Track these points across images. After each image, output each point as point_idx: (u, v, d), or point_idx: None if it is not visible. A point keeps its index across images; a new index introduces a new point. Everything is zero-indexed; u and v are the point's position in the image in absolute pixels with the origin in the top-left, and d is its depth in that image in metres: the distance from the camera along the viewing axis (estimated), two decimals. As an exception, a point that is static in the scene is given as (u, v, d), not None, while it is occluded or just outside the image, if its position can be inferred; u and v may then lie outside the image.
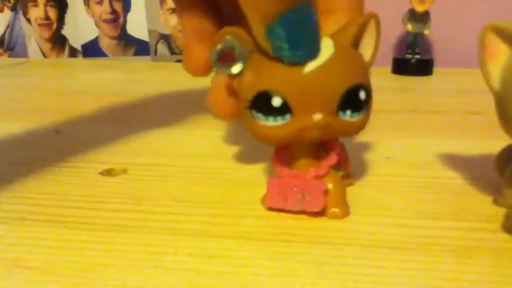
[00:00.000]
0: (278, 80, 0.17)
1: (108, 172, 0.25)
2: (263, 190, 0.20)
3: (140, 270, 0.16)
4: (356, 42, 0.18)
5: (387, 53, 0.65)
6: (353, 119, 0.18)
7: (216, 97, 0.21)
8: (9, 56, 0.77)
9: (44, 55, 0.75)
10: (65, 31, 0.74)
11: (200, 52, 0.20)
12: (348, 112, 0.18)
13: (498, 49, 0.18)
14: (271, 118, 0.17)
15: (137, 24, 0.71)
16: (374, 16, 0.18)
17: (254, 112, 0.18)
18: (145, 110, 0.40)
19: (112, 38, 0.73)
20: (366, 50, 0.19)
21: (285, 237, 0.18)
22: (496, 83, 0.18)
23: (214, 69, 0.19)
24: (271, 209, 0.20)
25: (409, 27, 0.57)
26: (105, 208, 0.21)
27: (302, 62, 0.17)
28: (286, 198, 0.19)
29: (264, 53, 0.17)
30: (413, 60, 0.57)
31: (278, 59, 0.17)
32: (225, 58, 0.18)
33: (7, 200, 0.22)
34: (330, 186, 0.19)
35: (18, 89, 0.52)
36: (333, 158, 0.19)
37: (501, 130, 0.18)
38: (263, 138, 0.18)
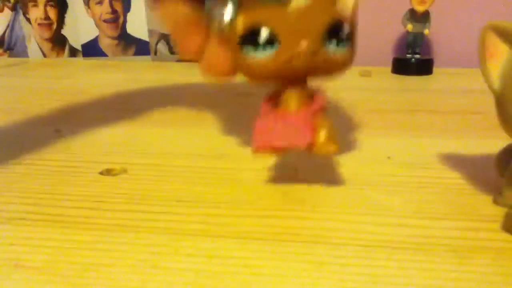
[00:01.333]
0: (267, 15, 0.19)
1: (108, 172, 0.25)
2: (263, 190, 0.20)
3: (140, 270, 0.16)
4: None
5: (387, 53, 0.65)
6: (337, 54, 0.19)
7: (210, 57, 0.21)
8: (9, 56, 0.77)
9: (44, 55, 0.75)
10: (65, 31, 0.74)
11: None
12: (333, 42, 0.19)
13: (498, 49, 0.18)
14: (260, 49, 0.19)
15: (137, 24, 0.71)
16: None
17: (244, 47, 0.19)
18: (145, 110, 0.40)
19: (112, 38, 0.73)
20: None
21: (285, 237, 0.18)
22: (496, 83, 0.18)
23: (207, 12, 0.21)
24: (258, 149, 0.20)
25: (409, 27, 0.57)
26: (105, 208, 0.21)
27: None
28: (274, 134, 0.20)
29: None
30: (413, 60, 0.57)
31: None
32: (217, 5, 0.20)
33: (7, 200, 0.22)
34: (321, 123, 0.20)
35: (18, 89, 0.52)
36: (321, 100, 0.20)
37: (501, 130, 0.18)
38: (253, 72, 0.19)
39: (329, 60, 0.19)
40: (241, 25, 0.19)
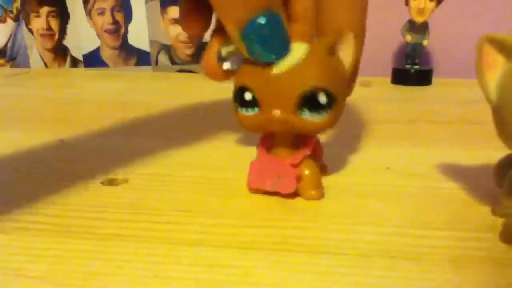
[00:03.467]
0: (250, 78, 0.20)
1: (110, 182, 0.25)
2: (264, 200, 0.20)
3: (141, 280, 0.16)
4: (332, 50, 0.20)
5: (387, 63, 0.65)
6: (314, 119, 0.20)
7: (208, 59, 0.23)
8: (11, 66, 0.77)
9: (46, 65, 0.76)
10: (66, 42, 0.75)
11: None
12: (306, 112, 0.20)
13: (495, 60, 0.18)
14: (244, 109, 0.21)
15: (138, 35, 0.72)
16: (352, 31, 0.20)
17: (236, 103, 0.21)
18: (146, 120, 0.40)
19: (114, 48, 0.73)
20: (345, 59, 0.20)
21: (285, 246, 0.18)
22: (493, 94, 0.18)
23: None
24: (252, 189, 0.23)
25: (408, 37, 0.57)
26: (106, 217, 0.21)
27: (272, 62, 0.19)
28: (265, 179, 0.22)
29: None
30: (412, 71, 0.57)
31: (254, 59, 0.20)
32: (222, 58, 0.22)
33: (8, 209, 0.22)
34: (306, 172, 0.22)
35: (20, 99, 0.52)
36: (307, 150, 0.22)
37: (499, 141, 0.18)
38: (244, 124, 0.21)
39: (305, 124, 0.20)
40: (235, 82, 0.21)
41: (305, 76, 0.19)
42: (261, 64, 0.20)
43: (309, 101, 0.19)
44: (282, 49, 0.19)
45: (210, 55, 0.22)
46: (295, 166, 0.22)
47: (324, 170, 0.25)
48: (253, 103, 0.20)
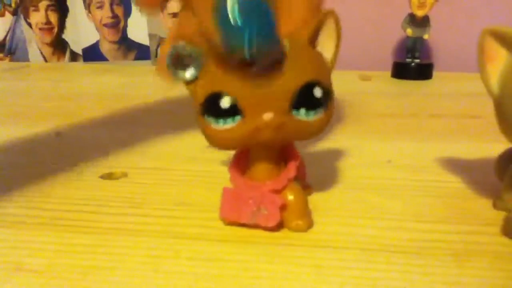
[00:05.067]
0: (227, 80, 0.16)
1: (109, 176, 0.25)
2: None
3: (140, 274, 0.16)
4: (313, 40, 0.18)
5: (387, 58, 0.65)
6: (310, 119, 0.17)
7: (163, 65, 0.18)
8: (10, 60, 0.77)
9: (45, 59, 0.76)
10: (66, 36, 0.74)
11: None
12: (303, 111, 0.17)
13: (497, 53, 0.18)
14: (221, 121, 0.17)
15: (138, 28, 0.72)
16: (332, 14, 0.17)
17: (206, 116, 0.17)
18: (145, 114, 0.40)
19: (113, 42, 0.73)
20: (327, 47, 0.18)
21: (285, 240, 0.18)
22: (495, 87, 0.18)
23: (170, 73, 0.18)
24: (225, 220, 0.19)
25: (409, 31, 0.57)
26: (106, 211, 0.21)
27: (251, 58, 0.15)
28: (241, 210, 0.18)
29: (216, 56, 0.16)
30: (413, 64, 0.57)
31: (229, 53, 0.15)
32: (178, 62, 0.17)
33: (7, 203, 0.22)
34: (291, 198, 0.18)
35: (19, 93, 0.52)
36: (292, 171, 0.18)
37: (501, 134, 0.18)
38: (216, 142, 0.18)
39: (300, 127, 0.17)
40: (201, 91, 0.17)
41: (297, 71, 0.16)
42: (236, 62, 0.16)
43: (304, 98, 0.17)
44: (268, 31, 0.15)
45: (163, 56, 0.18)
46: (278, 192, 0.18)
47: (308, 190, 0.22)
48: (233, 111, 0.16)
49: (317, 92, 0.17)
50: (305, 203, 0.19)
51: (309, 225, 0.19)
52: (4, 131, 0.35)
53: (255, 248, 0.17)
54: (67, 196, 0.22)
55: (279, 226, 0.18)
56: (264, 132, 0.16)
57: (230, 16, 0.14)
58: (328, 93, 0.17)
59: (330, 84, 0.18)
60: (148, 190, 0.23)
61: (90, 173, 0.25)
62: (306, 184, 0.22)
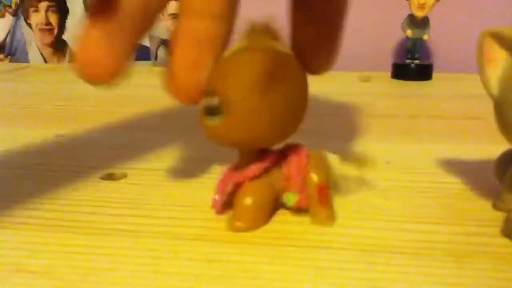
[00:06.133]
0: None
1: (109, 177, 0.25)
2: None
3: (140, 275, 0.16)
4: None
5: (387, 58, 0.65)
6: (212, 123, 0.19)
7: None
8: (10, 61, 0.77)
9: (45, 60, 0.76)
10: (66, 36, 0.74)
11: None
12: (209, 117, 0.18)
13: (496, 55, 0.18)
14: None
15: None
16: None
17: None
18: (145, 115, 0.40)
19: (113, 43, 0.73)
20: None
21: (285, 241, 0.18)
22: (495, 88, 0.18)
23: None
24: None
25: (409, 32, 0.57)
26: (106, 212, 0.21)
27: None
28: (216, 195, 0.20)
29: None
30: (413, 65, 0.57)
31: None
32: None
33: (7, 204, 0.22)
34: (240, 197, 0.19)
35: (19, 94, 0.52)
36: (250, 171, 0.19)
37: (500, 135, 0.18)
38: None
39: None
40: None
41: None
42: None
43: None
44: None
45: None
46: (239, 185, 0.19)
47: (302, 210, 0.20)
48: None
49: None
50: (251, 206, 0.19)
51: (249, 228, 0.19)
52: (3, 132, 0.35)
53: (255, 249, 0.18)
54: (67, 197, 0.22)
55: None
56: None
57: None
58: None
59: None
60: (149, 191, 0.23)
61: (90, 174, 0.25)
62: (305, 199, 0.19)
